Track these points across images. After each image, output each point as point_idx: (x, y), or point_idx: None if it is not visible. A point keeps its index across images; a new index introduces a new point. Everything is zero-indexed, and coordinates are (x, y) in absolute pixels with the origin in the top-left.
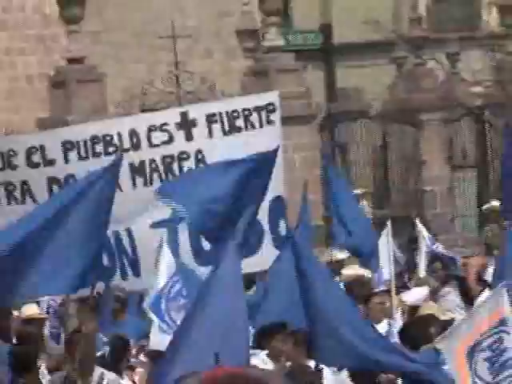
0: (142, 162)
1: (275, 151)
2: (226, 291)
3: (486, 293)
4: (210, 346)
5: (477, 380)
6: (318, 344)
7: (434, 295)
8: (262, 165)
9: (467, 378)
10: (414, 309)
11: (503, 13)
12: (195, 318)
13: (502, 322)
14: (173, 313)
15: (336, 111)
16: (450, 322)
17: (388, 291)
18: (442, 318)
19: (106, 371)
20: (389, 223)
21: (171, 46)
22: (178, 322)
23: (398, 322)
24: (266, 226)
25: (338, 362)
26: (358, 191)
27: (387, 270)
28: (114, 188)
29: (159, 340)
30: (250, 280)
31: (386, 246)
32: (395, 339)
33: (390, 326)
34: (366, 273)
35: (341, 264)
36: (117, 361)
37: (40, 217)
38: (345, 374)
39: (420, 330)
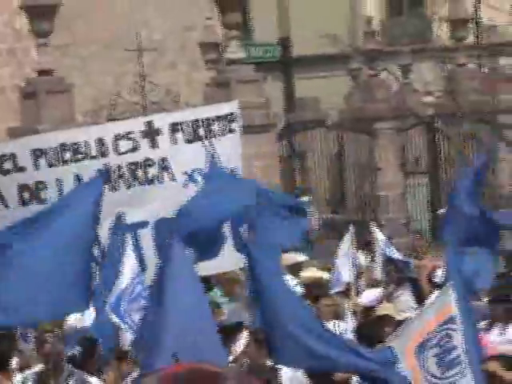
0: (109, 169)
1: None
2: (183, 290)
3: (435, 293)
4: (173, 345)
5: (427, 376)
6: (274, 345)
7: (387, 296)
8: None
9: (418, 375)
10: (367, 309)
11: (453, 27)
12: (156, 317)
13: (450, 320)
14: (133, 313)
15: (294, 120)
16: (403, 322)
17: (343, 292)
18: (398, 318)
19: (75, 370)
20: (351, 228)
21: (137, 58)
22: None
23: (349, 323)
24: (227, 231)
25: (295, 363)
26: (304, 198)
27: (347, 273)
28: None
29: (122, 340)
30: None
31: (347, 249)
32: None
33: (337, 328)
34: (324, 275)
35: (299, 266)
36: (86, 360)
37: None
38: (301, 371)
39: (376, 329)
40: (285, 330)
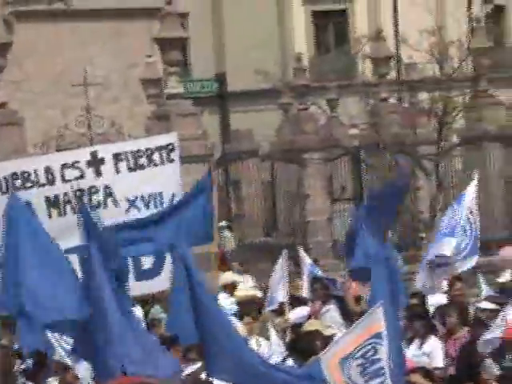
0: (57, 196)
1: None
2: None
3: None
4: (117, 357)
5: (347, 379)
6: (208, 359)
7: (315, 313)
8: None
9: (340, 378)
10: (296, 326)
11: (376, 64)
12: (94, 329)
13: (377, 336)
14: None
15: (230, 151)
16: (331, 337)
17: (275, 311)
18: (325, 333)
19: (27, 382)
20: (284, 252)
21: (83, 93)
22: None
23: (274, 339)
24: (167, 252)
25: (227, 378)
26: (222, 223)
27: (281, 293)
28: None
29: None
30: None
31: (281, 271)
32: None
33: (260, 344)
34: (257, 293)
35: (234, 286)
36: (37, 372)
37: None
38: None
39: (307, 343)
40: (218, 346)
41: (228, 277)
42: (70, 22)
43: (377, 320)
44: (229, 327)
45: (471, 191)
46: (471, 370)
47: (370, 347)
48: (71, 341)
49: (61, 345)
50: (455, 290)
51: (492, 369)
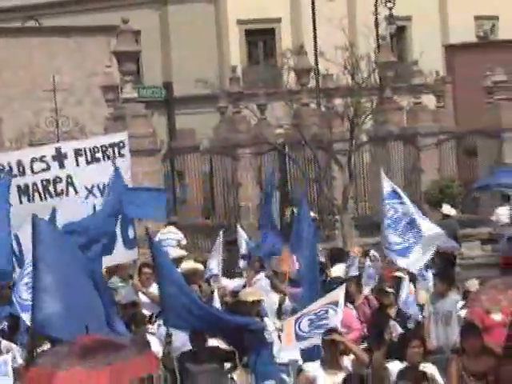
0: (26, 185)
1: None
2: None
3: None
4: (80, 318)
5: (297, 329)
6: (166, 313)
7: (249, 282)
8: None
9: (291, 328)
10: (234, 293)
11: (298, 75)
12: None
13: (334, 304)
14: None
15: (175, 146)
16: (259, 301)
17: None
18: (255, 298)
19: (2, 340)
20: (221, 232)
21: (52, 97)
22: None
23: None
24: (118, 232)
25: (182, 325)
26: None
27: (216, 265)
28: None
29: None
30: None
31: (218, 247)
32: None
33: None
34: (199, 266)
35: (181, 259)
36: (11, 333)
37: None
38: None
39: (242, 308)
40: (173, 300)
41: (176, 252)
42: (40, 37)
43: (340, 294)
44: (183, 287)
45: (388, 185)
46: (379, 330)
47: (325, 309)
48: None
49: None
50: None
51: (396, 328)
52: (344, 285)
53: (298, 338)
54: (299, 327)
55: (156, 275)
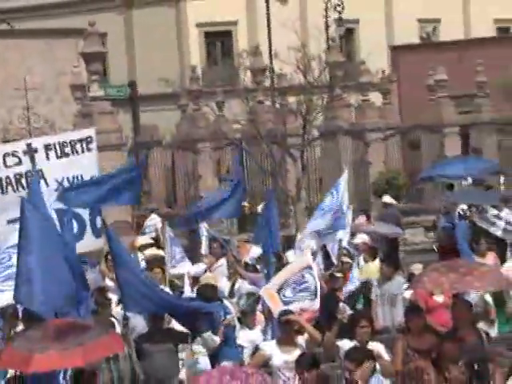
0: (0, 178)
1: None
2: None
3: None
4: (52, 300)
5: (282, 297)
6: (126, 299)
7: (210, 267)
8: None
9: (275, 297)
10: (195, 278)
11: (254, 74)
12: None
13: (308, 268)
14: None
15: (139, 141)
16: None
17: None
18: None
19: None
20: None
21: (24, 95)
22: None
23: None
24: (87, 221)
25: (141, 309)
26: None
27: (179, 253)
28: None
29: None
30: None
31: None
32: None
33: None
34: (161, 253)
35: (145, 247)
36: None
37: None
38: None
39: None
40: (132, 287)
41: (142, 240)
42: (13, 39)
43: (309, 259)
44: (139, 273)
45: (343, 179)
46: (330, 311)
47: (300, 274)
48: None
49: None
50: None
51: (346, 309)
52: (307, 250)
53: (285, 303)
54: (284, 295)
55: (113, 264)
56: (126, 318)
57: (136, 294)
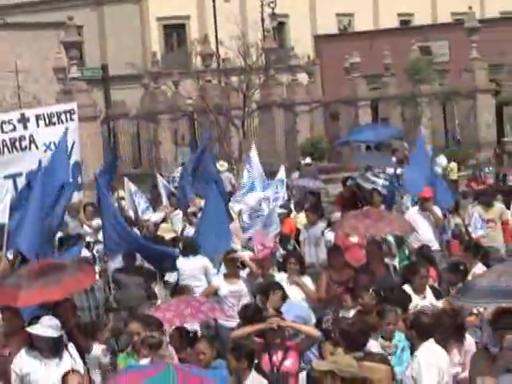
0: None
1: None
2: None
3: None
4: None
5: (241, 222)
6: (107, 241)
7: (167, 217)
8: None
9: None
10: (156, 224)
11: (203, 58)
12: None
13: (266, 199)
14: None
15: (110, 114)
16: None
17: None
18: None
19: None
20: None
21: (15, 77)
22: None
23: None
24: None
25: (120, 248)
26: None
27: (145, 204)
28: None
29: None
30: None
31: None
32: None
33: None
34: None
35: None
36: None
37: None
38: None
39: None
40: (111, 230)
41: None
42: (6, 31)
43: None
44: (120, 221)
45: (254, 154)
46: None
47: (259, 204)
48: None
49: None
50: None
51: (280, 251)
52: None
53: (244, 229)
54: (243, 221)
55: (100, 211)
56: (106, 255)
57: (116, 236)
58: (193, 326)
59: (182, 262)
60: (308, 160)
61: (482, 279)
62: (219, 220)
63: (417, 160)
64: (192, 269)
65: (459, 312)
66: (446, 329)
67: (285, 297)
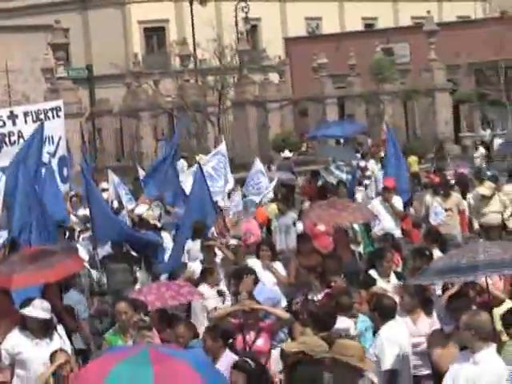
0: None
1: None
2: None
3: None
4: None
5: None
6: (97, 231)
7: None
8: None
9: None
10: (138, 215)
11: (182, 59)
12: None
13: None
14: None
15: (95, 111)
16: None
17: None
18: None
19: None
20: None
21: (5, 76)
22: None
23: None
24: (56, 171)
25: (109, 238)
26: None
27: (127, 196)
28: None
29: None
30: None
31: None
32: None
33: None
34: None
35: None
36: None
37: None
38: None
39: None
40: (100, 220)
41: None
42: None
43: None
44: (108, 211)
45: (223, 148)
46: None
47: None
48: None
49: None
50: None
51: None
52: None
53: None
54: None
55: (88, 202)
56: (94, 246)
57: (104, 225)
58: (172, 307)
59: (190, 245)
60: (286, 153)
61: (437, 261)
62: (204, 199)
63: (392, 153)
64: (198, 250)
65: (427, 288)
66: (412, 296)
67: (257, 281)
